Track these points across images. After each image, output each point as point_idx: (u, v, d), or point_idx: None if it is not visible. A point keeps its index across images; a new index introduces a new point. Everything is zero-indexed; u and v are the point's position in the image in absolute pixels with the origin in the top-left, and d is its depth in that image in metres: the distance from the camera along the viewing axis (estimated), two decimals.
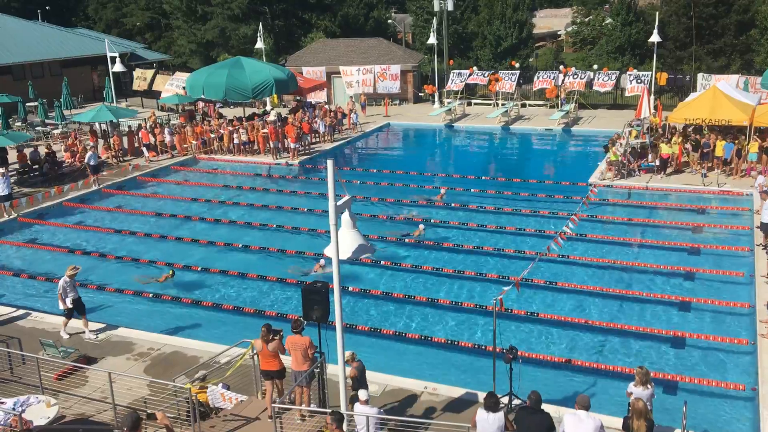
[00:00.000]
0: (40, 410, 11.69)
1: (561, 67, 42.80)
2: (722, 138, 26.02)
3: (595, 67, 41.39)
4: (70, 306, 15.43)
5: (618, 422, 10.90)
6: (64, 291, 15.35)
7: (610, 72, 40.16)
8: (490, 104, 42.82)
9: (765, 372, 13.12)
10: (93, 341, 15.46)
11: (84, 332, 15.69)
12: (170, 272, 19.35)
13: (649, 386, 10.80)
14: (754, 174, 24.67)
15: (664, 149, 26.46)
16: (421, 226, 22.22)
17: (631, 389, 10.91)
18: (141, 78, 47.97)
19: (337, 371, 10.64)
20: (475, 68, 43.35)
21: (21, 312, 17.03)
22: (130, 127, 34.63)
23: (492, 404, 10.05)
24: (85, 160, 28.28)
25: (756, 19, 45.29)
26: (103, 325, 16.12)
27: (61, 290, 15.36)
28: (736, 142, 25.79)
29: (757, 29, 45.06)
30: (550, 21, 79.10)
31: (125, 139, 33.19)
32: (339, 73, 45.40)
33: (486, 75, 41.86)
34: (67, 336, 15.61)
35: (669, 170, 26.76)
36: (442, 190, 25.59)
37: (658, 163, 26.55)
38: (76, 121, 37.25)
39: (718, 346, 14.79)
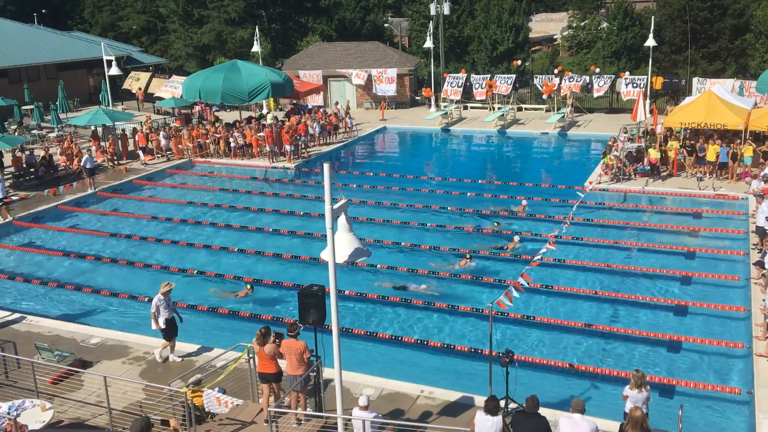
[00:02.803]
0: (35, 414, 11.65)
1: (555, 70, 42.91)
2: (712, 142, 25.99)
3: (597, 70, 41.38)
4: (163, 326, 14.20)
5: (614, 426, 10.90)
6: (158, 310, 14.11)
7: (605, 75, 40.21)
8: (486, 108, 42.88)
9: (761, 376, 13.15)
10: (175, 362, 14.43)
11: (164, 353, 14.58)
12: (249, 287, 18.52)
13: (644, 389, 10.81)
14: (748, 180, 24.72)
15: (652, 154, 26.55)
16: (516, 238, 21.04)
17: (626, 392, 10.92)
18: (134, 78, 47.93)
19: (333, 375, 10.62)
20: (473, 75, 43.22)
21: (16, 316, 16.99)
22: (123, 130, 34.58)
23: (492, 408, 10.05)
24: (81, 163, 28.24)
25: (751, 24, 45.48)
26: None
27: (154, 309, 14.14)
28: (732, 146, 25.85)
29: (752, 33, 45.25)
30: (546, 25, 79.40)
31: (120, 143, 33.12)
32: (335, 76, 45.45)
33: (482, 83, 41.84)
34: (178, 359, 14.42)
35: (664, 173, 26.83)
36: (524, 202, 24.48)
37: (648, 167, 26.64)
38: (72, 124, 37.21)
39: (713, 349, 14.81)
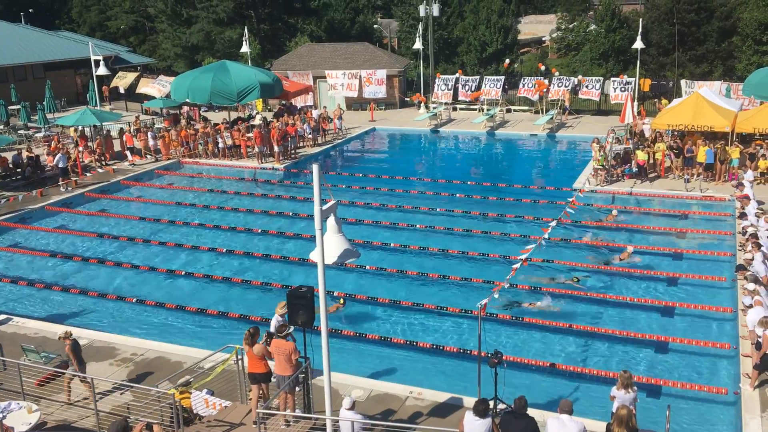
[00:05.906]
0: (22, 416, 11.57)
1: (543, 68, 43.13)
2: (702, 143, 26.14)
3: (579, 77, 41.58)
4: None
5: (601, 426, 10.94)
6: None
7: (594, 79, 40.40)
8: (475, 109, 42.98)
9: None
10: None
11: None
12: (341, 302, 17.64)
13: (631, 390, 10.86)
14: (734, 183, 24.87)
15: (640, 155, 26.69)
16: (630, 249, 19.94)
17: (614, 393, 10.98)
18: (122, 77, 47.68)
19: (322, 376, 10.60)
20: (462, 77, 43.22)
21: (2, 317, 16.86)
22: (109, 131, 34.35)
23: (482, 410, 10.06)
24: (53, 162, 28.09)
25: (738, 26, 45.85)
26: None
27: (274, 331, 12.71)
28: (718, 146, 26.02)
29: (739, 36, 45.61)
30: (534, 27, 79.60)
31: (105, 143, 32.91)
32: (325, 77, 45.39)
33: (472, 87, 41.94)
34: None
35: (652, 175, 26.97)
36: (614, 211, 23.62)
37: (635, 169, 26.76)
38: (59, 124, 36.96)
39: (700, 350, 14.89)
